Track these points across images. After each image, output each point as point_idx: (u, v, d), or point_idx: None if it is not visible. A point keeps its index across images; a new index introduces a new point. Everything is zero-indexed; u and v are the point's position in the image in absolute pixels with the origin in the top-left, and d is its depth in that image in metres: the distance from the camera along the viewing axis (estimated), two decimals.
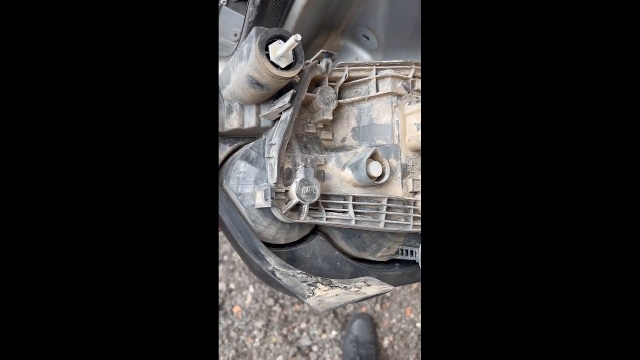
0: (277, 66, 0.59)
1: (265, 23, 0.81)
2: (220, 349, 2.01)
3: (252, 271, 0.73)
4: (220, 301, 2.06)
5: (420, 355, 2.01)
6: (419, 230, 0.70)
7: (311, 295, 0.56)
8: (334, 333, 2.06)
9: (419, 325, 2.10)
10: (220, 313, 2.05)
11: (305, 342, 2.05)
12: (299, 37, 0.55)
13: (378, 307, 2.12)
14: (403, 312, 2.11)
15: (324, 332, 2.07)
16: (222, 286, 2.08)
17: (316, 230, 0.76)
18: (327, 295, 0.55)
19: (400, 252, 0.76)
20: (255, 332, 2.03)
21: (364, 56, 0.99)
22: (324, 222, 0.65)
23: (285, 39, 0.59)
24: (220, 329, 2.03)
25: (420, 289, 2.03)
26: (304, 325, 2.06)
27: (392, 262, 0.80)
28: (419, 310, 2.08)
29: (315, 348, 2.03)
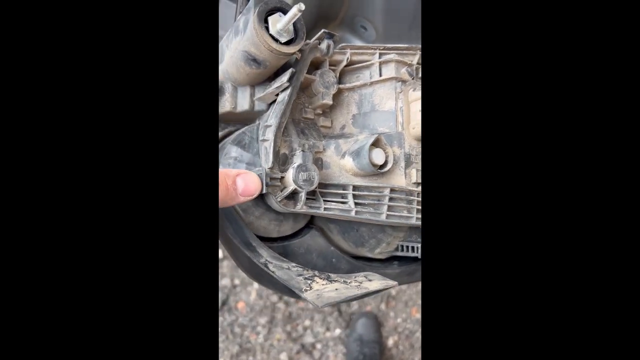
0: (276, 40, 0.55)
1: None
2: (224, 344, 2.00)
3: (240, 266, 0.69)
4: (224, 296, 2.06)
5: None
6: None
7: (308, 289, 0.52)
8: (337, 331, 2.03)
9: None
10: (225, 308, 2.04)
11: (308, 339, 2.02)
12: (302, 6, 0.51)
13: (383, 306, 2.08)
14: (408, 312, 2.07)
15: (328, 329, 2.03)
16: (226, 282, 2.07)
17: (310, 223, 0.72)
18: (325, 289, 0.52)
19: (399, 248, 0.72)
20: (259, 328, 2.02)
21: None
22: (321, 212, 0.61)
23: (285, 12, 0.55)
24: (225, 324, 2.02)
25: None
26: (307, 323, 2.03)
27: (390, 260, 0.76)
28: None
29: (318, 345, 2.01)
